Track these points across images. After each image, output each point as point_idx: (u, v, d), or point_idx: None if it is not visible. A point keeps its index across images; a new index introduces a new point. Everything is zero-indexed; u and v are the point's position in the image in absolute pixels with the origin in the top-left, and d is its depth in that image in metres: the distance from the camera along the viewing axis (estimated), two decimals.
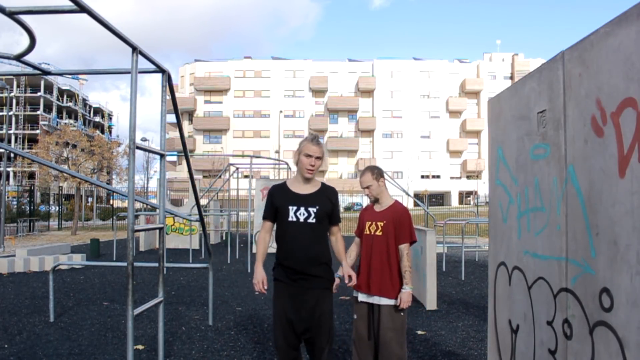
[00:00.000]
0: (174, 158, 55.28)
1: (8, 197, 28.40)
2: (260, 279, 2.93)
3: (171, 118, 40.83)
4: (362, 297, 3.32)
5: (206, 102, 58.59)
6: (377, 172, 3.37)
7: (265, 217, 3.09)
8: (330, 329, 2.99)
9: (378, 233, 3.28)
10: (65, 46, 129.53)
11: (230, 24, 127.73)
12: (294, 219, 2.94)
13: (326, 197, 3.02)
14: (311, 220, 2.93)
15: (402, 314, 3.23)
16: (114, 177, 29.29)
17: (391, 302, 3.20)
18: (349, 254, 3.45)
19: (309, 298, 2.93)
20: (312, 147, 2.97)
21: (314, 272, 2.93)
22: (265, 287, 2.91)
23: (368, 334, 3.30)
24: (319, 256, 2.96)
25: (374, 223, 3.33)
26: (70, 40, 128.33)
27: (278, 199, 3.01)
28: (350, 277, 3.03)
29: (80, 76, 59.92)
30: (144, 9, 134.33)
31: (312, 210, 2.94)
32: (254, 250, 11.46)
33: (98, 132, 53.97)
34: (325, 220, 3.00)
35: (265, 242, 3.10)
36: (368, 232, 3.34)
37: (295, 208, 2.95)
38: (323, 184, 3.11)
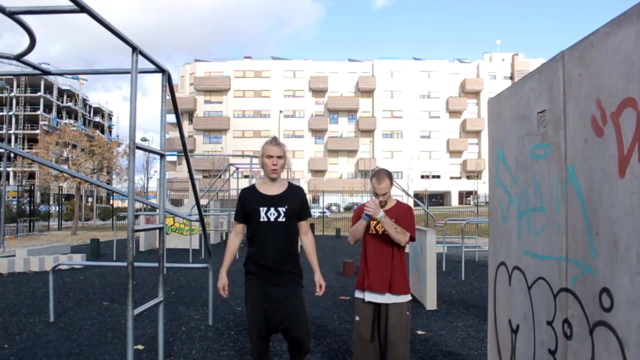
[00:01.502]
0: (174, 158, 55.28)
1: (8, 197, 28.40)
2: (222, 284, 3.25)
3: (171, 118, 40.84)
4: (369, 297, 3.26)
5: (206, 102, 58.58)
6: (391, 178, 3.41)
7: (237, 220, 3.28)
8: (305, 321, 3.18)
9: (386, 232, 3.28)
10: (68, 47, 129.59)
11: (233, 24, 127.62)
12: (265, 219, 3.12)
13: (294, 197, 3.21)
14: (281, 219, 3.12)
15: (407, 312, 3.24)
16: (114, 177, 29.31)
17: (400, 299, 3.21)
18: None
19: (280, 292, 3.12)
20: (272, 147, 3.15)
21: (285, 268, 3.13)
22: (226, 293, 3.24)
23: (372, 336, 3.28)
24: (290, 253, 3.17)
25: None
26: (73, 41, 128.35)
27: (249, 202, 3.18)
28: (320, 286, 3.24)
29: (80, 76, 59.92)
30: (147, 10, 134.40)
31: (281, 209, 3.12)
32: None
33: (98, 132, 53.99)
34: (294, 219, 3.19)
35: (234, 247, 3.35)
36: (374, 232, 3.32)
37: (265, 209, 3.13)
38: (290, 184, 3.29)
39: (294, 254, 3.21)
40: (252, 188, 3.26)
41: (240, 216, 3.24)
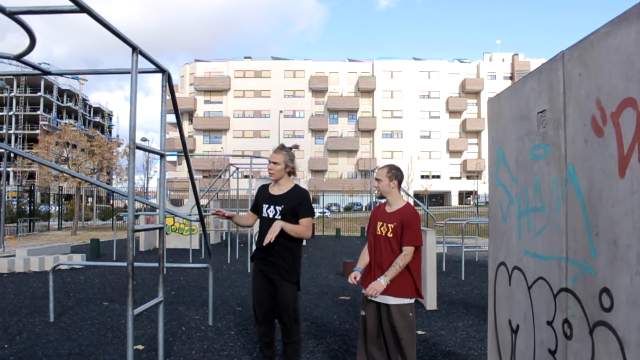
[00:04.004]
0: (174, 158, 55.24)
1: (8, 197, 28.39)
2: (226, 213, 3.68)
3: (171, 118, 40.83)
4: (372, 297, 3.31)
5: (206, 102, 58.53)
6: (393, 173, 3.36)
7: (251, 209, 3.81)
8: (294, 310, 3.53)
9: (389, 235, 3.28)
10: (72, 47, 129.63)
11: (237, 25, 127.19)
12: (266, 215, 3.58)
13: (293, 198, 3.54)
14: (277, 216, 3.51)
15: (410, 314, 3.23)
16: (114, 177, 29.28)
17: (401, 301, 3.20)
18: (361, 258, 3.51)
19: (271, 281, 3.52)
20: (271, 154, 3.62)
21: (276, 260, 3.49)
22: (220, 214, 3.68)
23: (377, 332, 3.31)
24: (281, 247, 3.47)
25: (385, 224, 3.32)
26: (78, 42, 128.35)
27: (258, 198, 3.69)
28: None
29: (80, 76, 59.93)
30: (151, 11, 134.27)
31: (278, 208, 3.53)
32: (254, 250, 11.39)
33: (98, 132, 53.96)
34: (291, 217, 3.49)
35: (248, 220, 3.80)
36: (379, 233, 3.34)
37: (267, 206, 3.58)
38: (295, 186, 3.62)
39: (286, 250, 3.49)
40: (265, 187, 3.72)
41: (254, 207, 3.78)
